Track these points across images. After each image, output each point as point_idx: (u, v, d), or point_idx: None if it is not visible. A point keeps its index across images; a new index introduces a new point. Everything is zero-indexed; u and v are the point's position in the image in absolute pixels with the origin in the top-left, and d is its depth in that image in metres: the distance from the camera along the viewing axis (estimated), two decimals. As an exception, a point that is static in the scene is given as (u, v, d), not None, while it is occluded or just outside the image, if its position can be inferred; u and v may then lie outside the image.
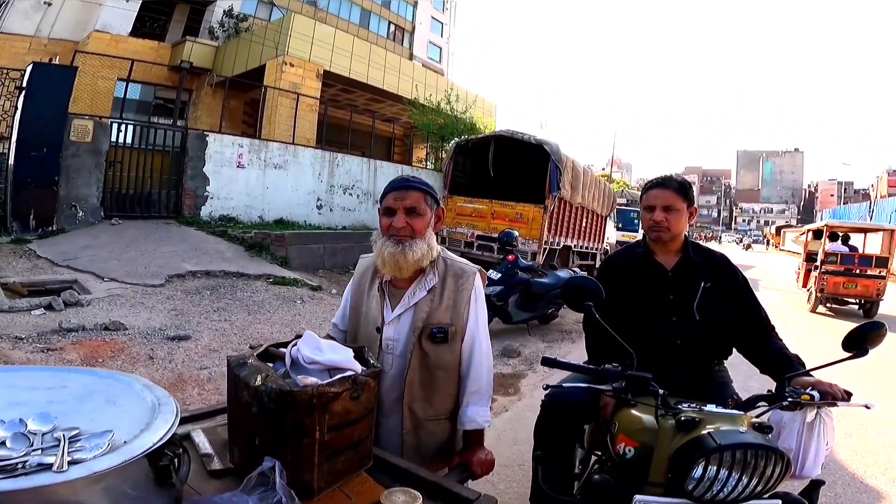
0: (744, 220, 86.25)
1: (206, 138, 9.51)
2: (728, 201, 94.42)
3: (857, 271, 8.81)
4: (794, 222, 64.79)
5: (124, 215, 8.68)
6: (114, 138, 8.68)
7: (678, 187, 1.82)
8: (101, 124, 8.43)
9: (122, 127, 8.99)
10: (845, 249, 9.29)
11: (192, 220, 9.13)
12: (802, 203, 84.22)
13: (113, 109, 12.32)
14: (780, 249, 38.72)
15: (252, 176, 10.09)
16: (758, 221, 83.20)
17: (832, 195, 73.80)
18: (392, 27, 24.80)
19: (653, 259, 1.86)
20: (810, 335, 6.87)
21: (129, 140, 9.05)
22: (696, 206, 1.90)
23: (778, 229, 49.09)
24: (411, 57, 23.47)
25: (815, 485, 1.40)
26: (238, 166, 9.86)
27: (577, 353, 5.40)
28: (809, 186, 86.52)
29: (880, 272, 8.74)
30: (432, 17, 27.22)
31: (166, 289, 6.21)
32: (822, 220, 38.15)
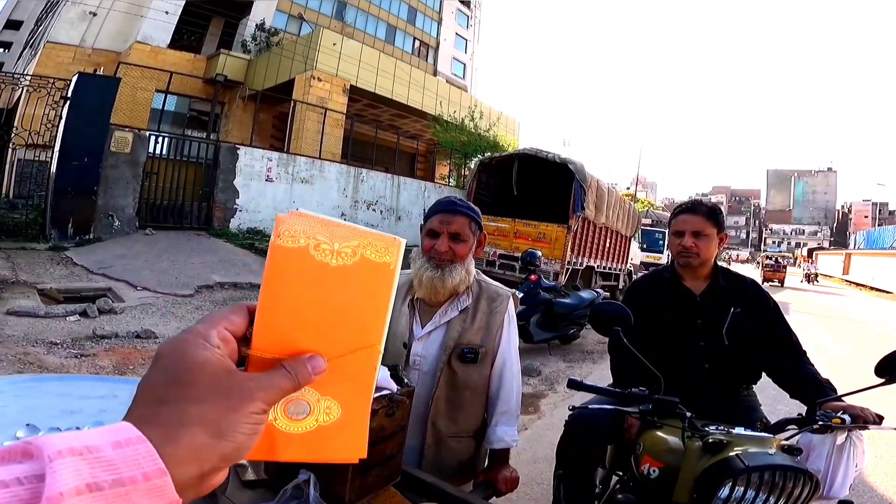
0: (774, 242, 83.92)
1: (238, 151, 9.81)
2: (757, 222, 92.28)
3: (777, 270, 23.71)
4: (826, 244, 62.88)
5: (157, 226, 8.96)
6: (150, 150, 8.99)
7: (708, 213, 1.82)
8: (139, 136, 8.74)
9: (159, 139, 9.31)
10: (772, 262, 24.58)
11: (221, 232, 9.38)
12: (835, 224, 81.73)
13: (150, 120, 12.80)
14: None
15: (280, 189, 10.34)
16: (788, 243, 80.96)
17: (866, 216, 71.54)
18: (417, 43, 25.32)
19: (681, 284, 1.86)
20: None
21: (164, 152, 9.37)
22: (725, 231, 1.89)
23: (810, 252, 47.76)
24: (435, 73, 23.89)
25: None
26: (267, 180, 10.13)
27: (598, 373, 5.34)
28: (843, 207, 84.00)
29: (783, 270, 23.82)
30: (456, 34, 27.71)
31: (195, 299, 6.38)
32: (855, 243, 37.36)
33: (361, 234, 0.39)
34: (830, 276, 31.00)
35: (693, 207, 1.87)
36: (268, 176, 10.14)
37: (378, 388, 1.03)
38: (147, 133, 9.11)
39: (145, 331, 4.88)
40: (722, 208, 2.01)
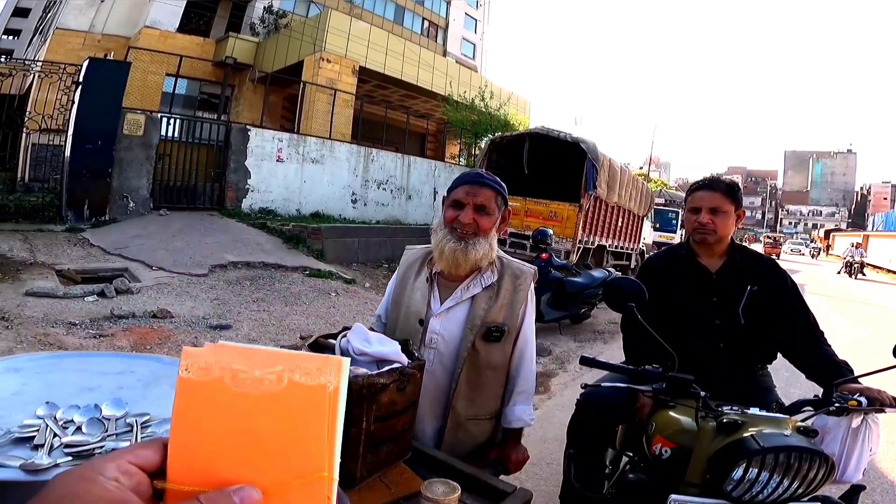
0: (790, 223, 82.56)
1: (248, 132, 9.81)
2: (773, 203, 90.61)
3: (775, 246, 30.89)
4: (843, 226, 61.65)
5: (171, 207, 9.04)
6: (163, 132, 9.04)
7: (726, 189, 1.79)
8: (152, 118, 8.79)
9: (171, 121, 9.35)
10: (771, 240, 33.20)
11: (233, 212, 9.45)
12: (853, 206, 79.94)
13: (161, 104, 12.85)
14: (830, 254, 36.96)
15: (290, 170, 10.35)
16: (805, 224, 79.55)
17: (885, 198, 69.86)
18: (426, 24, 24.87)
19: (696, 261, 1.83)
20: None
21: (176, 134, 9.41)
22: (743, 208, 1.85)
23: (827, 233, 46.86)
24: (445, 53, 23.52)
25: (856, 489, 1.38)
26: (277, 160, 10.13)
27: (609, 353, 5.33)
28: (861, 189, 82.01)
29: (779, 246, 33.02)
30: (466, 14, 27.16)
31: (209, 279, 6.46)
32: (873, 224, 36.55)
33: (286, 358, 0.38)
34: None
35: (710, 184, 1.83)
36: (278, 157, 10.14)
37: (389, 362, 1.03)
38: (159, 115, 9.13)
39: (161, 310, 4.97)
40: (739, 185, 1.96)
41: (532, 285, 1.47)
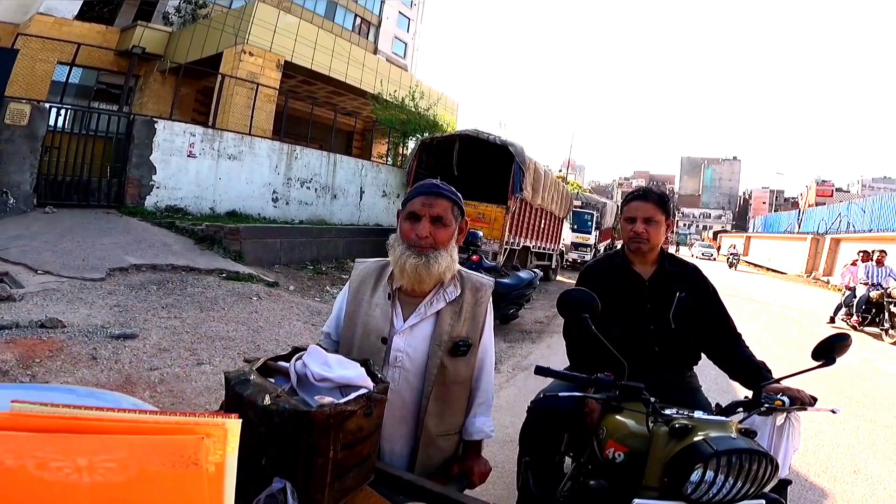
0: (685, 225, 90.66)
1: (155, 125, 8.99)
2: (671, 206, 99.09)
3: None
4: (729, 227, 69.07)
5: (59, 203, 8.09)
6: (52, 123, 8.12)
7: (658, 200, 1.88)
8: (38, 108, 7.85)
9: (62, 111, 8.42)
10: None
11: (135, 210, 8.62)
12: (737, 209, 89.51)
13: (51, 93, 11.56)
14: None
15: (204, 166, 9.64)
16: (697, 226, 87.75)
17: (764, 202, 78.83)
18: (358, 20, 24.36)
19: (631, 269, 1.91)
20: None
21: (68, 125, 8.48)
22: (672, 218, 1.97)
23: (715, 234, 52.33)
24: (376, 51, 23.18)
25: (784, 484, 1.50)
26: (189, 156, 9.38)
27: (537, 352, 5.51)
28: (744, 194, 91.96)
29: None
30: (399, 12, 26.94)
31: (107, 283, 5.82)
32: (754, 227, 41.17)
33: (136, 442, 0.28)
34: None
35: (644, 194, 1.92)
36: (190, 151, 9.37)
37: (355, 388, 0.96)
38: (47, 105, 8.16)
39: (50, 319, 4.38)
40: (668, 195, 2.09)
41: (491, 297, 1.47)
